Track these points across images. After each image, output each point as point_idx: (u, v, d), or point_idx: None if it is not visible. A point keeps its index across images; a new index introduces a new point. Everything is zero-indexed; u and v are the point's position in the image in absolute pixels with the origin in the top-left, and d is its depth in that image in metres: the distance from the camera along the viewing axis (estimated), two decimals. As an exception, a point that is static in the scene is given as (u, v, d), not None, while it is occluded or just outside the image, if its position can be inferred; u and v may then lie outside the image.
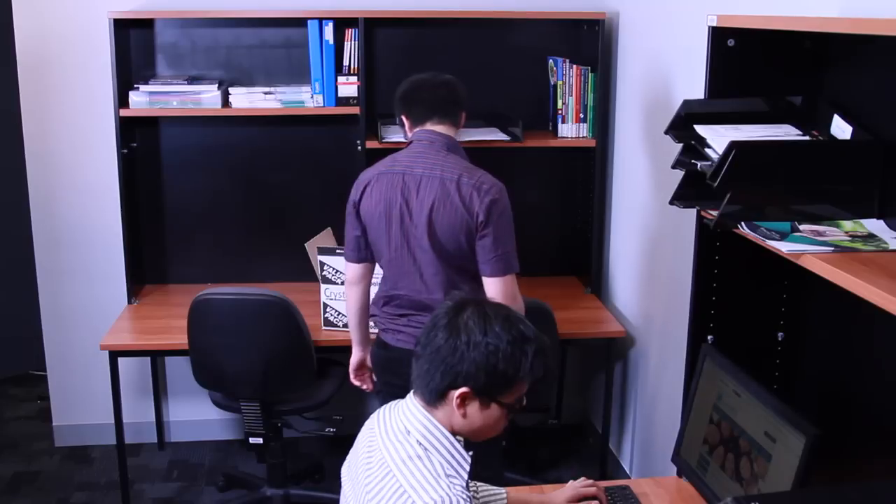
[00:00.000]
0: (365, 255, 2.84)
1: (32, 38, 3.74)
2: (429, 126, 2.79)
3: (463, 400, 1.74)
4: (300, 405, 3.35)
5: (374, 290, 3.05)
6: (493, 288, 2.68)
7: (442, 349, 1.74)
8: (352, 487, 1.83)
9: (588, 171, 3.89)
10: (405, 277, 2.73)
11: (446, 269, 2.70)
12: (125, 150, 3.64)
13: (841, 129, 2.01)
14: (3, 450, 4.09)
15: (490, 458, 2.58)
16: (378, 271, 2.90)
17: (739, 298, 2.28)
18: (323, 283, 3.36)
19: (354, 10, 3.62)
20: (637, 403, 3.65)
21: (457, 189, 2.65)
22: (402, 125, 2.88)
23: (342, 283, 3.30)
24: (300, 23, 3.68)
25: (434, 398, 1.77)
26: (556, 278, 4.07)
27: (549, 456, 4.07)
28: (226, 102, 3.68)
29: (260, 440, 3.32)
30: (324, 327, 3.42)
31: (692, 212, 2.22)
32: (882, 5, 1.97)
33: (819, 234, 1.83)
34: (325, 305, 3.39)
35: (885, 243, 1.78)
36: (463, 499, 1.67)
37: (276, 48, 3.84)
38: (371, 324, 2.94)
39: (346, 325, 3.36)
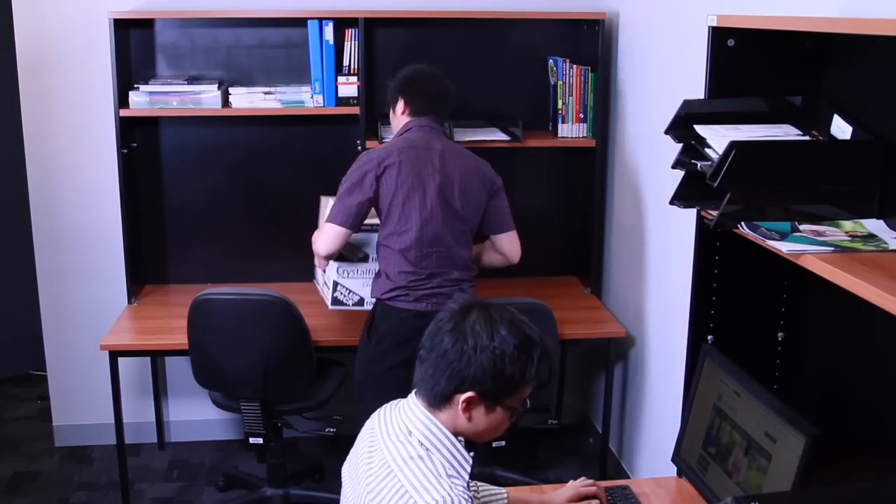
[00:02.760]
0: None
1: (32, 39, 3.74)
2: (426, 120, 3.07)
3: (469, 404, 1.74)
4: (300, 405, 3.35)
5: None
6: (510, 239, 3.14)
7: (448, 353, 1.73)
8: (352, 487, 1.83)
9: (588, 171, 3.89)
10: (440, 234, 2.98)
11: (466, 228, 3.04)
12: (125, 150, 3.64)
13: (841, 129, 2.01)
14: (3, 450, 4.09)
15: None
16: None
17: (739, 298, 2.28)
18: (337, 259, 3.19)
19: (354, 10, 3.62)
20: (637, 403, 3.65)
21: (473, 161, 3.08)
22: (394, 105, 3.12)
23: (359, 260, 3.25)
24: (300, 23, 3.68)
25: (438, 401, 1.76)
26: (556, 278, 4.07)
27: (549, 456, 4.07)
28: (226, 102, 3.68)
29: (260, 440, 3.32)
30: (332, 306, 3.27)
31: (692, 212, 2.22)
32: (882, 5, 1.97)
33: (819, 234, 1.83)
34: (336, 284, 3.25)
35: (885, 243, 1.78)
36: (464, 499, 1.66)
37: (276, 48, 3.83)
38: (393, 297, 3.00)
39: (356, 304, 3.28)
